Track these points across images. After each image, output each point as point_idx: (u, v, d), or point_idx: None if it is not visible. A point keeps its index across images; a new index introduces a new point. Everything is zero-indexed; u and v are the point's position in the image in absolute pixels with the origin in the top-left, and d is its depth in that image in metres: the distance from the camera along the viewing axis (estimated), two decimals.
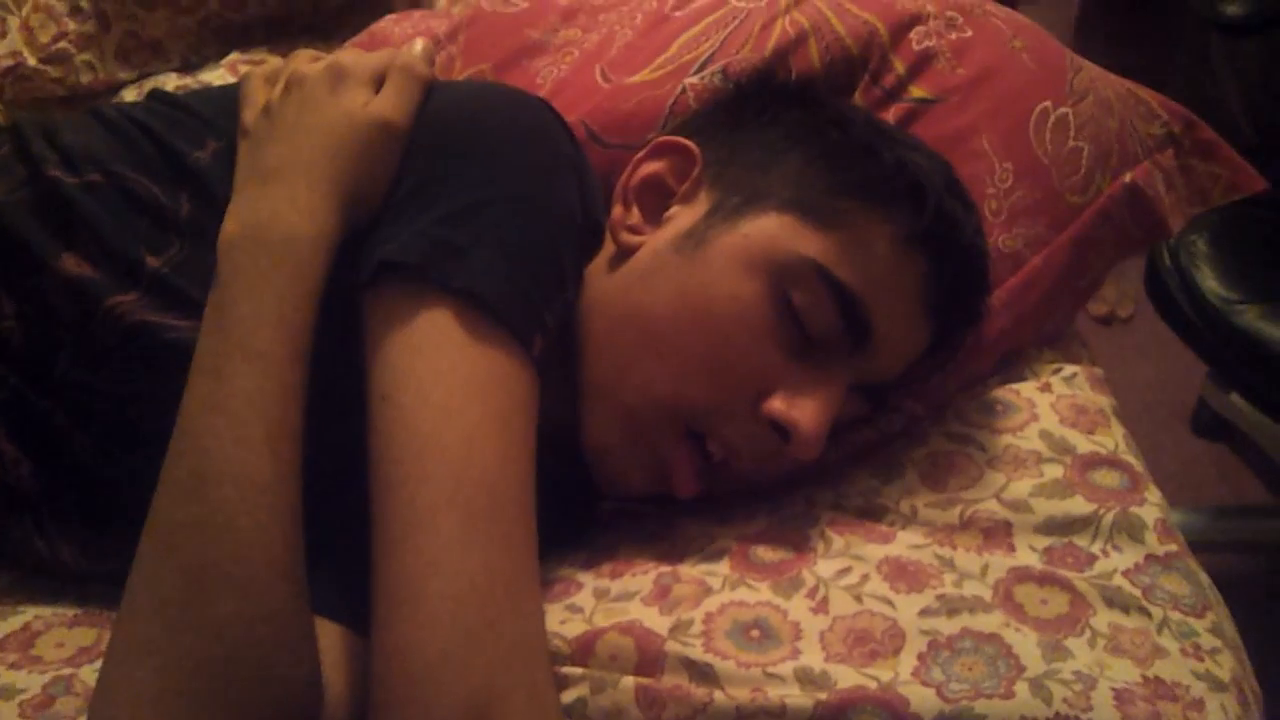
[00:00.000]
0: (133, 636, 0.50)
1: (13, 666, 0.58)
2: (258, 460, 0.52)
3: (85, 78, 1.12)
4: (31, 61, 1.10)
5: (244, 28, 1.21)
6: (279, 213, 0.58)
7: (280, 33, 1.21)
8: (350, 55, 0.64)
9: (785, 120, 0.68)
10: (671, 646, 0.56)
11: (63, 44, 1.11)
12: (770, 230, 0.62)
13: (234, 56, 1.14)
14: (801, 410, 0.61)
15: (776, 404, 0.61)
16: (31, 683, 0.57)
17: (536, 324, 0.57)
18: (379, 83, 0.63)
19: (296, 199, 0.58)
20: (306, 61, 0.65)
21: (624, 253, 0.66)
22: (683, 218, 0.65)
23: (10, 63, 1.09)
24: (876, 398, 0.68)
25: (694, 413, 0.62)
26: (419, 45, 0.68)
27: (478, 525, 0.52)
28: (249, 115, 0.64)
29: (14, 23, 1.11)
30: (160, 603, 0.50)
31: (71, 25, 1.12)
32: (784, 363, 0.62)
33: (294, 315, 0.56)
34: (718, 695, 0.54)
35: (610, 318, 0.64)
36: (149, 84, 1.12)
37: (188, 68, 1.17)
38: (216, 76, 1.13)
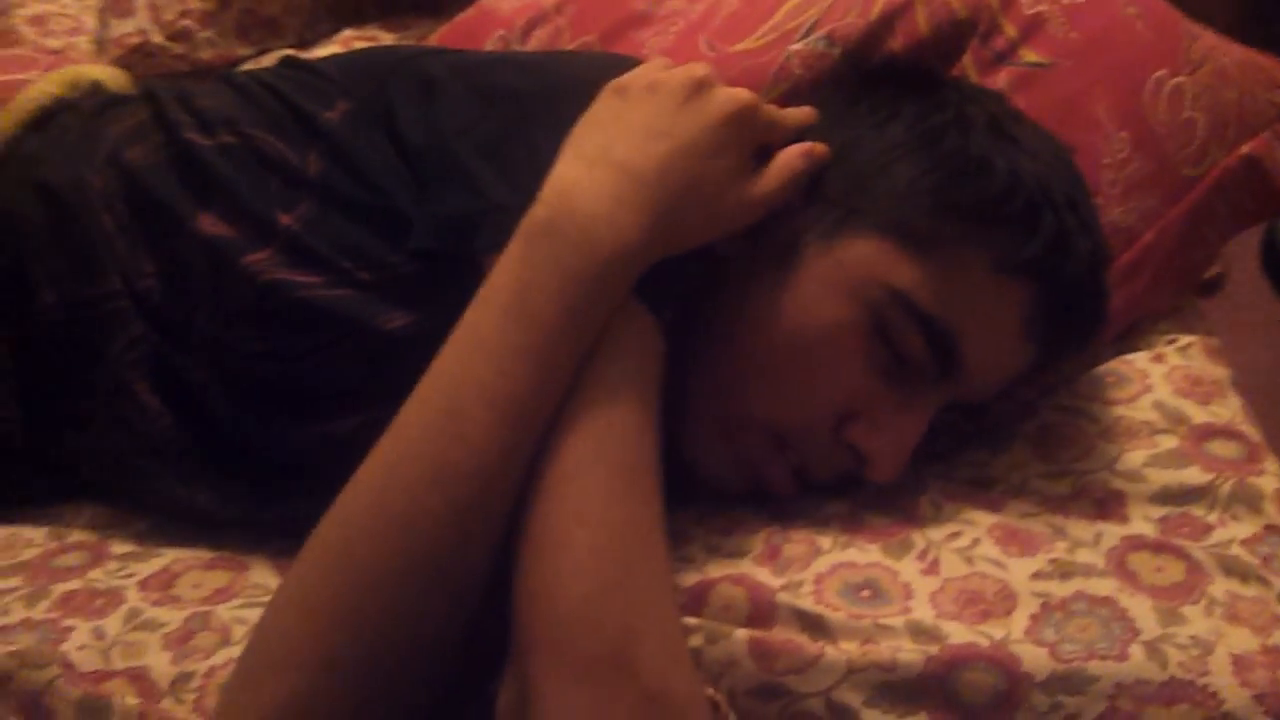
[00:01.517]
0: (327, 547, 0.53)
1: (155, 603, 0.62)
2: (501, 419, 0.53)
3: (206, 54, 1.16)
4: (157, 39, 1.15)
5: (357, 5, 1.25)
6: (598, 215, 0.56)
7: (392, 9, 1.25)
8: (759, 107, 0.61)
9: (903, 117, 0.64)
10: (783, 598, 0.57)
11: (186, 21, 1.15)
12: (866, 257, 0.61)
13: (348, 33, 1.18)
14: (882, 439, 0.61)
15: (858, 430, 0.62)
16: (173, 617, 0.61)
17: (668, 295, 0.59)
18: (754, 147, 0.61)
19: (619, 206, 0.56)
20: (700, 69, 0.60)
21: (722, 256, 0.64)
22: (777, 228, 0.63)
23: (137, 40, 1.14)
24: (972, 413, 0.68)
25: (780, 427, 0.63)
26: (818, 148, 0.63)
27: (621, 479, 0.53)
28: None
29: (141, 1, 1.16)
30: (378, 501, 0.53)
31: (194, 3, 1.16)
32: (872, 387, 0.61)
33: (586, 327, 0.55)
34: (829, 649, 0.55)
35: (709, 322, 0.64)
36: (266, 60, 1.16)
37: (303, 44, 1.21)
38: (331, 53, 1.16)
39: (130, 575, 0.64)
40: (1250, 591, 0.58)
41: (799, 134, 0.64)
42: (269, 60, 1.16)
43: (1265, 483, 0.64)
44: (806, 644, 0.55)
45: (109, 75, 0.83)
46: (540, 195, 0.56)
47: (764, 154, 0.62)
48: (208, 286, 0.66)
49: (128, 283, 0.67)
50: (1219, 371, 0.74)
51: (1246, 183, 0.81)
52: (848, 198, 0.63)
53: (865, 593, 0.58)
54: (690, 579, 0.59)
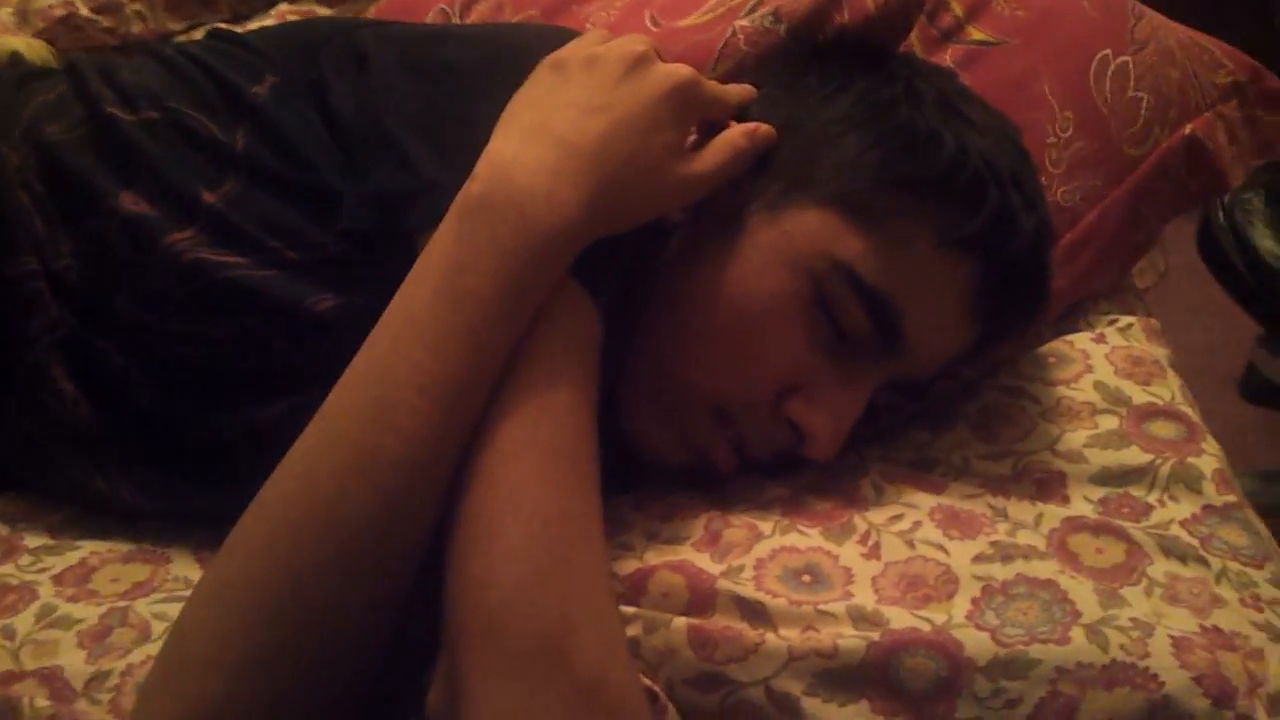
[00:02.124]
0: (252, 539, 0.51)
1: (70, 599, 0.59)
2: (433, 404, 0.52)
3: (135, 27, 1.12)
4: (84, 11, 1.10)
5: None
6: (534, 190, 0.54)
7: None
8: (699, 83, 0.59)
9: (851, 91, 0.63)
10: (723, 585, 0.56)
11: None
12: (811, 229, 0.60)
13: (283, 7, 1.14)
14: (821, 415, 0.61)
15: (797, 405, 0.61)
16: (89, 614, 0.58)
17: (604, 276, 0.57)
18: (695, 123, 0.60)
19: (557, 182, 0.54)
20: (639, 44, 0.59)
21: (664, 229, 0.64)
22: (722, 198, 0.62)
23: (62, 12, 1.09)
24: (913, 392, 0.67)
25: (721, 400, 0.62)
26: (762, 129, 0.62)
27: (556, 464, 0.52)
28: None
29: None
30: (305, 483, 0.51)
31: None
32: (812, 361, 0.61)
33: (523, 307, 0.53)
34: (769, 636, 0.53)
35: (648, 297, 0.63)
36: (198, 35, 1.13)
37: (236, 18, 1.16)
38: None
39: (44, 570, 0.61)
40: (1190, 572, 0.58)
41: (742, 110, 0.63)
42: (200, 35, 1.12)
43: (1204, 463, 0.64)
44: (747, 632, 0.54)
45: (30, 47, 0.80)
46: (475, 171, 0.54)
47: (707, 131, 0.61)
48: (129, 267, 0.63)
49: (44, 263, 0.64)
50: (1159, 352, 0.74)
51: (1188, 163, 0.81)
52: (794, 169, 0.62)
53: (806, 578, 0.57)
54: (628, 566, 0.58)
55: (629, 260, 0.63)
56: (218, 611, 0.50)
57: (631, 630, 0.55)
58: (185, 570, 0.62)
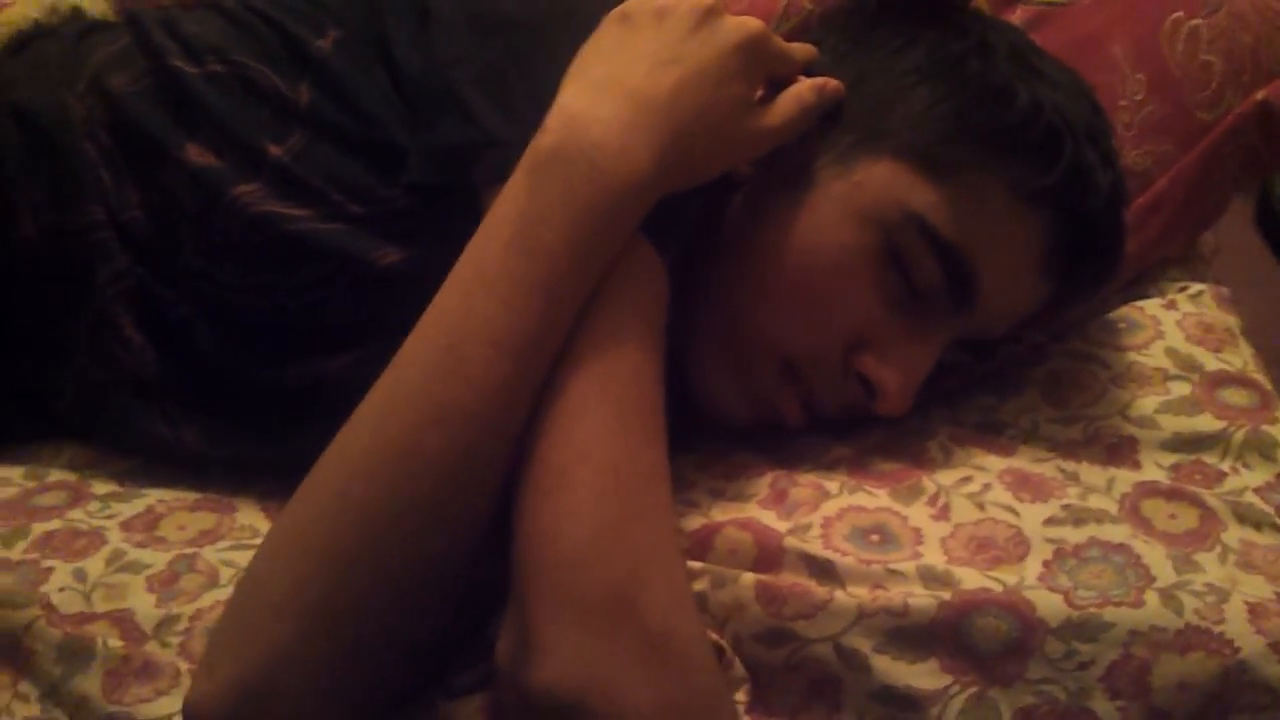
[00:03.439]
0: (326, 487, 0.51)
1: (139, 545, 0.60)
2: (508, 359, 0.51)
3: None
4: None
5: None
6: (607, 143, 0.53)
7: None
8: (769, 37, 0.58)
9: (921, 44, 0.63)
10: (790, 542, 0.55)
11: None
12: (883, 180, 0.60)
13: None
14: (891, 370, 0.60)
15: (868, 360, 0.60)
16: (157, 559, 0.59)
17: (672, 233, 0.57)
18: (764, 78, 0.58)
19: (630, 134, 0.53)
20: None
21: (733, 184, 0.63)
22: (790, 151, 0.61)
23: None
24: (983, 351, 0.66)
25: (790, 354, 0.61)
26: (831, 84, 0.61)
27: (626, 419, 0.51)
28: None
29: None
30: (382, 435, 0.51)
31: None
32: (884, 315, 0.60)
33: (594, 261, 0.53)
34: (838, 594, 0.53)
35: (717, 252, 0.63)
36: None
37: None
38: None
39: (112, 516, 0.62)
40: (1264, 540, 0.57)
41: (808, 68, 0.62)
42: None
43: (1278, 431, 0.63)
44: (815, 588, 0.53)
45: (90, 1, 0.80)
46: (546, 124, 0.54)
47: (773, 86, 0.60)
48: (195, 219, 0.64)
49: (111, 214, 0.64)
50: (1230, 319, 0.73)
51: (1261, 129, 0.79)
52: (864, 122, 0.61)
53: (875, 537, 0.56)
54: (694, 523, 0.57)
55: (696, 215, 0.62)
56: (291, 559, 0.50)
57: (699, 585, 0.55)
58: (251, 519, 0.62)
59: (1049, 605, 0.52)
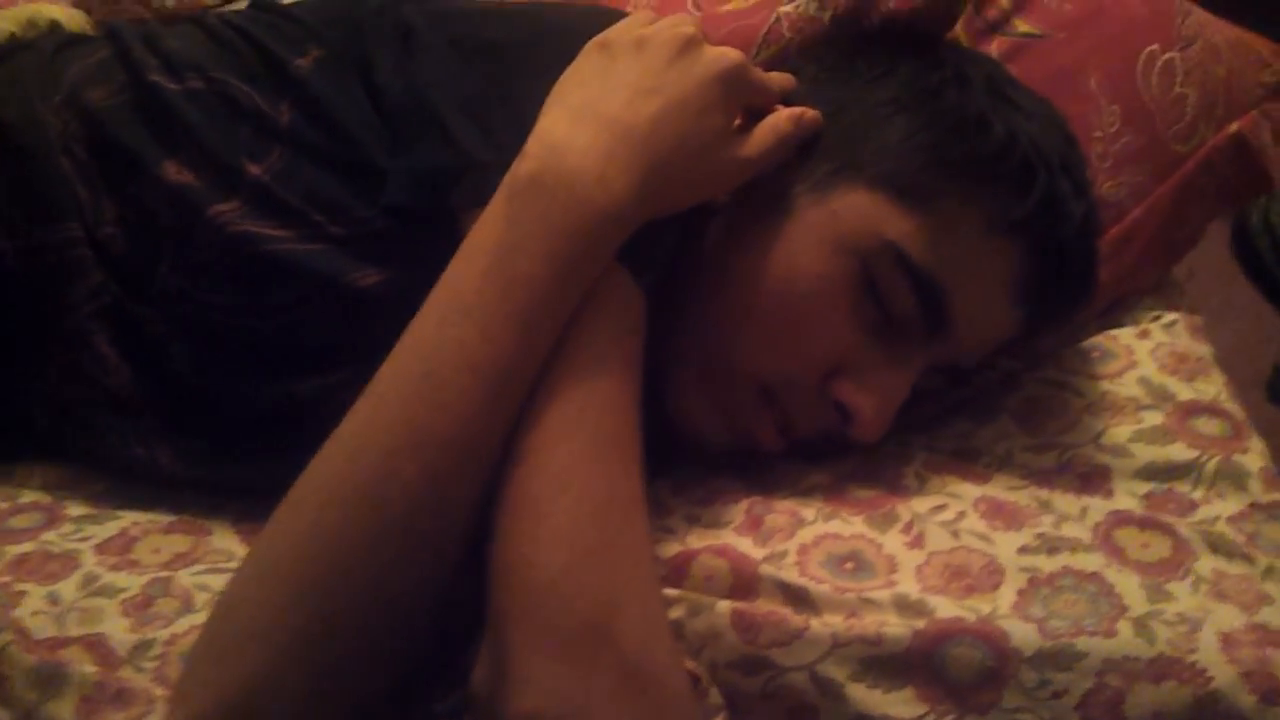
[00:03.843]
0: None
1: (113, 568, 0.59)
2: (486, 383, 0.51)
3: (171, 1, 1.12)
4: None
5: None
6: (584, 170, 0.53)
7: None
8: (748, 68, 0.59)
9: (899, 74, 0.63)
10: (766, 570, 0.55)
11: None
12: (859, 209, 0.60)
13: None
14: (867, 395, 0.60)
15: (844, 385, 0.61)
16: (131, 583, 0.58)
17: (650, 261, 0.57)
18: (742, 108, 0.59)
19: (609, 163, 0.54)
20: (688, 26, 0.58)
21: (711, 211, 0.63)
22: (767, 180, 0.61)
23: None
24: (956, 376, 0.67)
25: (767, 380, 0.62)
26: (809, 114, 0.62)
27: (603, 447, 0.52)
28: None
29: None
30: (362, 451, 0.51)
31: None
32: (860, 342, 0.61)
33: (572, 290, 0.53)
34: (813, 622, 0.53)
35: (694, 278, 0.63)
36: (239, 4, 1.12)
37: None
38: None
39: (86, 538, 0.61)
40: (1236, 569, 0.57)
41: (786, 98, 0.63)
42: (242, 5, 1.12)
43: (1250, 460, 0.64)
44: (790, 616, 0.54)
45: (68, 16, 0.79)
46: (525, 150, 0.54)
47: (751, 116, 0.61)
48: (172, 237, 0.63)
49: (88, 230, 0.64)
50: (1202, 349, 0.74)
51: (1234, 161, 0.80)
52: (841, 151, 0.61)
53: (849, 565, 0.56)
54: (671, 550, 0.57)
55: (673, 243, 0.62)
56: (265, 586, 0.50)
57: (675, 613, 0.55)
58: (226, 543, 0.62)
59: (1023, 635, 0.52)
